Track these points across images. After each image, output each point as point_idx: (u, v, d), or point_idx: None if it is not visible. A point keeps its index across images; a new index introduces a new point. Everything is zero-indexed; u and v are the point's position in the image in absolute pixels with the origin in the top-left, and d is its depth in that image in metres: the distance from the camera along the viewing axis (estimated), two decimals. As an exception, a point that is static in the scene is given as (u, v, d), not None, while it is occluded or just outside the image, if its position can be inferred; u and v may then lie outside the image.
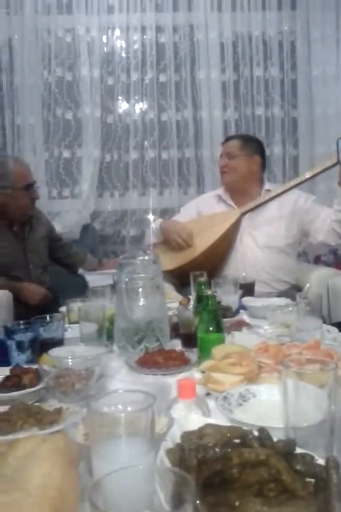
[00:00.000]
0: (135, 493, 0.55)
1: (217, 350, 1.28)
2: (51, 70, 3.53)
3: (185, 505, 0.46)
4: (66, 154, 3.59)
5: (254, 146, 2.78)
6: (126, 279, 1.50)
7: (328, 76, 3.70)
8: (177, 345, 1.57)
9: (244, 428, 0.77)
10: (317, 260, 3.58)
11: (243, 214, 2.70)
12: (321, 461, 0.70)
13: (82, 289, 2.23)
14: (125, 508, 0.54)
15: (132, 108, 3.62)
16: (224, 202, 2.80)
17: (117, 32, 3.64)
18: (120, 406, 0.68)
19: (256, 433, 0.75)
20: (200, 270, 2.07)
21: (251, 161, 2.73)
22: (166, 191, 3.69)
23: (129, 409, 0.66)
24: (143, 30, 3.63)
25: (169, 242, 2.68)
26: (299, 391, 0.85)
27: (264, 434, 0.74)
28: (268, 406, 1.00)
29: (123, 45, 3.64)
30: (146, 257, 1.59)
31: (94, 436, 0.66)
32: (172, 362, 1.36)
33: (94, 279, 2.47)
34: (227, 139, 2.93)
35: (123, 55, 3.63)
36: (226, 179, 2.77)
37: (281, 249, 2.68)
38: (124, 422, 0.64)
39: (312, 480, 0.68)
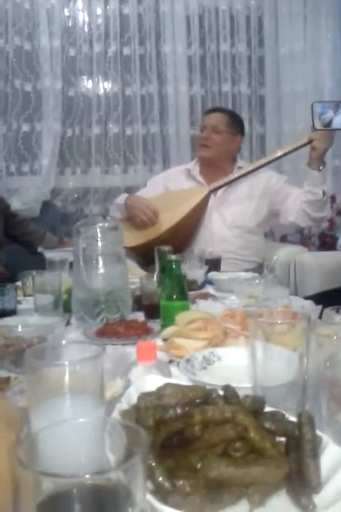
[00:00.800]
0: (78, 454, 0.46)
1: (181, 317, 1.21)
2: (8, 39, 3.34)
3: (134, 457, 0.38)
4: (25, 128, 3.41)
5: (239, 125, 2.66)
6: (84, 245, 1.40)
7: (296, 53, 3.66)
8: (140, 317, 1.48)
9: (208, 388, 0.69)
10: (284, 239, 3.55)
11: (211, 191, 2.61)
12: (292, 419, 0.63)
13: (41, 268, 2.12)
14: (65, 469, 0.44)
15: (95, 81, 3.48)
16: (193, 178, 2.68)
17: (79, 2, 3.48)
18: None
19: (220, 392, 0.67)
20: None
21: (234, 141, 2.61)
22: (131, 168, 3.58)
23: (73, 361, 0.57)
24: (106, 0, 3.49)
25: (133, 219, 2.58)
26: (268, 353, 0.78)
27: (230, 391, 0.66)
28: (234, 369, 0.93)
29: (86, 15, 3.48)
30: (106, 224, 1.49)
31: (33, 395, 0.56)
32: (133, 331, 1.27)
33: (54, 256, 2.35)
34: (212, 110, 2.77)
35: (86, 28, 3.48)
36: (205, 153, 2.59)
37: (250, 230, 2.61)
38: (68, 376, 0.55)
39: (283, 439, 0.61)
